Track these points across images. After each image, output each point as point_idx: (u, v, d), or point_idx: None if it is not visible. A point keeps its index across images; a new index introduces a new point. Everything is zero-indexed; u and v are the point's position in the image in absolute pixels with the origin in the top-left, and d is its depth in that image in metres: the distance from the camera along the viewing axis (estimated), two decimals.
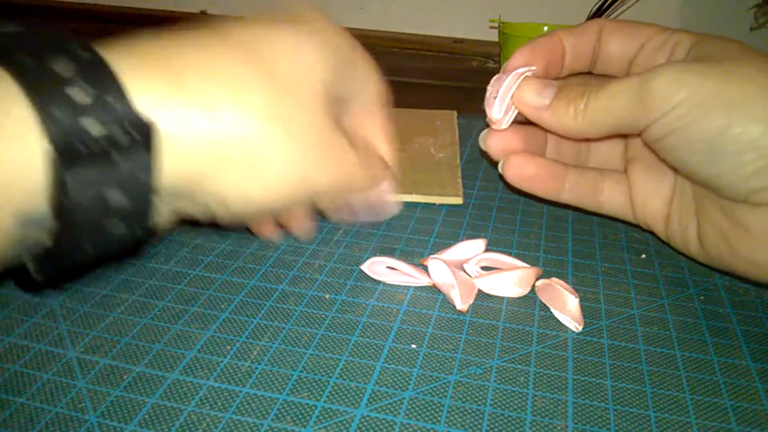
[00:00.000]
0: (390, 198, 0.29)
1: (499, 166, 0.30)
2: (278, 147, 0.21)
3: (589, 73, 0.30)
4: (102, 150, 0.17)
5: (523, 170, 0.30)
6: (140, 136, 0.18)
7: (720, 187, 0.24)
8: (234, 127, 0.20)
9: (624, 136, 0.30)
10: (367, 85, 0.27)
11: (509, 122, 0.29)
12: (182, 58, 0.19)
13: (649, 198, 0.30)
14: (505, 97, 0.29)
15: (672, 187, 0.29)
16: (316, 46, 0.22)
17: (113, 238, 0.19)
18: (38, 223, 0.17)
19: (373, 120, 0.28)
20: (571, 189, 0.31)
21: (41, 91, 0.16)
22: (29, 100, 0.16)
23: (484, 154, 0.31)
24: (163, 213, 0.22)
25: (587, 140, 0.29)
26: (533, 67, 0.29)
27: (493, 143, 0.30)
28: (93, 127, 0.17)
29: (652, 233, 0.31)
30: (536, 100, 0.28)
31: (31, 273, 0.19)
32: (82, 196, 0.17)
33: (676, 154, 0.25)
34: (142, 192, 0.18)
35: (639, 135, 0.26)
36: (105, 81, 0.17)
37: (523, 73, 0.28)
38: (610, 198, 0.31)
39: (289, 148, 0.21)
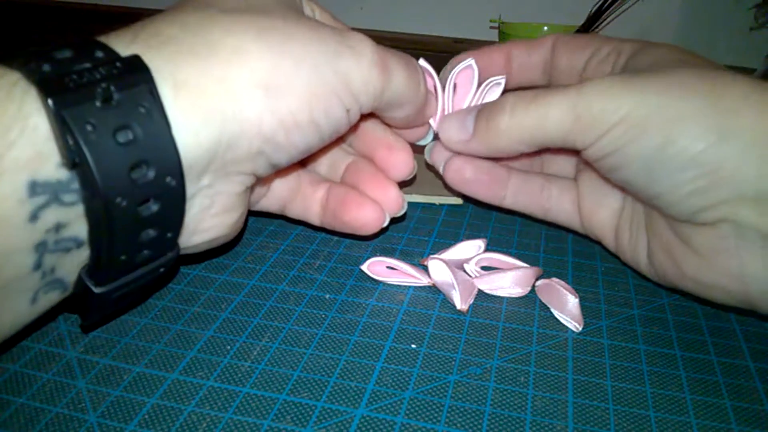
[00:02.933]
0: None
1: (441, 168, 0.29)
2: (277, 57, 0.20)
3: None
4: (93, 84, 0.17)
5: (462, 173, 0.28)
6: (126, 66, 0.17)
7: (663, 207, 0.23)
8: (213, 47, 0.20)
9: None
10: None
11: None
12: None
13: (596, 208, 0.28)
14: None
15: (622, 199, 0.28)
16: None
17: (145, 189, 0.18)
18: (57, 191, 0.17)
19: None
20: (514, 194, 0.29)
21: (20, 56, 0.17)
22: (10, 66, 0.17)
23: (430, 168, 0.30)
24: (223, 189, 0.21)
25: (525, 155, 0.28)
26: (502, 77, 0.28)
27: (437, 157, 0.29)
28: (78, 65, 0.17)
29: (600, 245, 0.30)
30: (461, 135, 0.27)
31: (91, 287, 0.19)
32: (89, 135, 0.16)
33: (617, 174, 0.24)
34: (155, 126, 0.18)
35: (576, 152, 0.24)
36: (82, 43, 0.18)
37: (491, 83, 0.28)
38: (557, 205, 0.30)
39: (284, 51, 0.21)
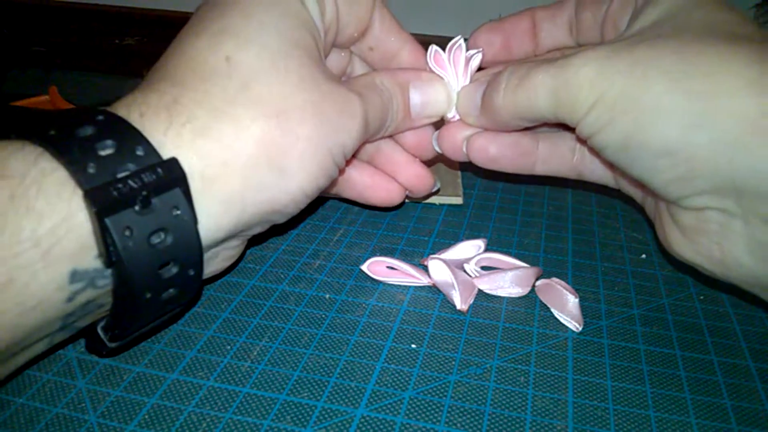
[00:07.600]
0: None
1: (463, 146, 0.28)
2: (280, 128, 0.21)
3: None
4: (134, 192, 0.18)
5: (486, 151, 0.28)
6: (165, 172, 0.19)
7: (652, 189, 0.23)
8: (238, 137, 0.21)
9: None
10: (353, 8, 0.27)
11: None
12: (185, 91, 0.20)
13: None
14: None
15: None
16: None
17: (169, 282, 0.20)
18: (94, 278, 0.18)
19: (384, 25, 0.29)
20: (544, 161, 0.29)
21: (68, 152, 0.18)
22: (60, 161, 0.18)
23: (442, 158, 0.30)
24: (230, 245, 0.24)
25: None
26: (480, 50, 0.28)
27: (445, 142, 0.29)
28: (121, 173, 0.18)
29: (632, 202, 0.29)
30: (472, 110, 0.27)
31: (105, 341, 0.20)
32: (127, 241, 0.18)
33: (603, 155, 0.23)
34: (185, 228, 0.19)
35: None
36: (123, 133, 0.19)
37: (472, 56, 0.28)
38: (590, 166, 0.29)
39: (285, 123, 0.21)
